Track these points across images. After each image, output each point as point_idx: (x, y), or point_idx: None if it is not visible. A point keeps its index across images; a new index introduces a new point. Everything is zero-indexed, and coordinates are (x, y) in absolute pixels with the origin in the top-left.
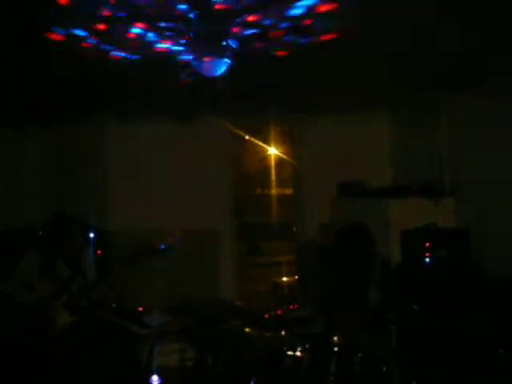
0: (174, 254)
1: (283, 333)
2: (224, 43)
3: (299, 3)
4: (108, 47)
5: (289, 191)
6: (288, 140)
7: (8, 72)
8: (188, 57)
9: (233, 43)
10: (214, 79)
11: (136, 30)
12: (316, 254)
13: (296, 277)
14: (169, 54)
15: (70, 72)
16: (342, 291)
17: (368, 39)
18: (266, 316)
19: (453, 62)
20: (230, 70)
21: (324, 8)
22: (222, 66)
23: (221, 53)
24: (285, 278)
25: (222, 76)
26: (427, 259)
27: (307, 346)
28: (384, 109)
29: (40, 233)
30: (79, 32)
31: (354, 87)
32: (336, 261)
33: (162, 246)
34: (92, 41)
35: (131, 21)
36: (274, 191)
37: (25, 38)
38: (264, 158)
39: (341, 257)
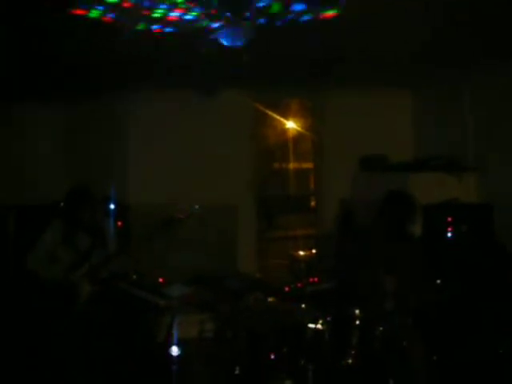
0: (192, 225)
1: (304, 306)
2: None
3: None
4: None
5: (308, 165)
6: (309, 114)
7: (34, 47)
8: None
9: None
10: (238, 49)
11: None
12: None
13: (314, 250)
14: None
15: (92, 49)
16: (369, 265)
17: (392, 13)
18: (287, 289)
19: (479, 34)
20: (252, 42)
21: None
22: (245, 35)
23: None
24: (302, 252)
25: (245, 47)
26: (449, 234)
27: (328, 319)
28: (407, 83)
29: (61, 204)
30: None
31: (377, 61)
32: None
33: (181, 215)
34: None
35: None
36: (292, 165)
37: (52, 12)
38: (284, 132)
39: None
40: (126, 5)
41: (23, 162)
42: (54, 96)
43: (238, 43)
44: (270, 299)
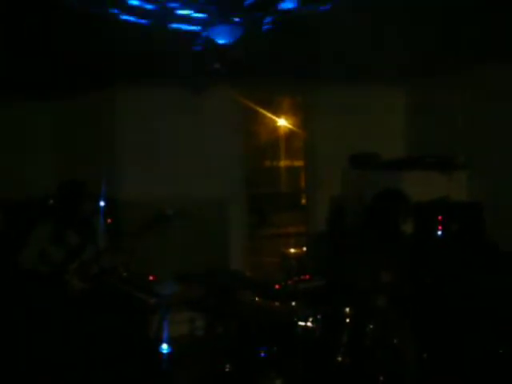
0: (183, 222)
1: (294, 303)
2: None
3: None
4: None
5: (298, 163)
6: (300, 112)
7: (21, 42)
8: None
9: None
10: (228, 47)
11: None
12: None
13: (304, 248)
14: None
15: (82, 42)
16: (361, 263)
17: (383, 9)
18: (277, 287)
19: (469, 34)
20: (243, 39)
21: None
22: (236, 33)
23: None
24: (293, 250)
25: (236, 44)
26: (439, 232)
27: (319, 316)
28: (398, 81)
29: (51, 201)
30: None
31: (368, 59)
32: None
33: (171, 212)
34: None
35: None
36: (283, 163)
37: (38, 5)
38: (275, 129)
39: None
40: None
41: (11, 158)
42: (40, 91)
43: (229, 40)
44: (260, 297)
